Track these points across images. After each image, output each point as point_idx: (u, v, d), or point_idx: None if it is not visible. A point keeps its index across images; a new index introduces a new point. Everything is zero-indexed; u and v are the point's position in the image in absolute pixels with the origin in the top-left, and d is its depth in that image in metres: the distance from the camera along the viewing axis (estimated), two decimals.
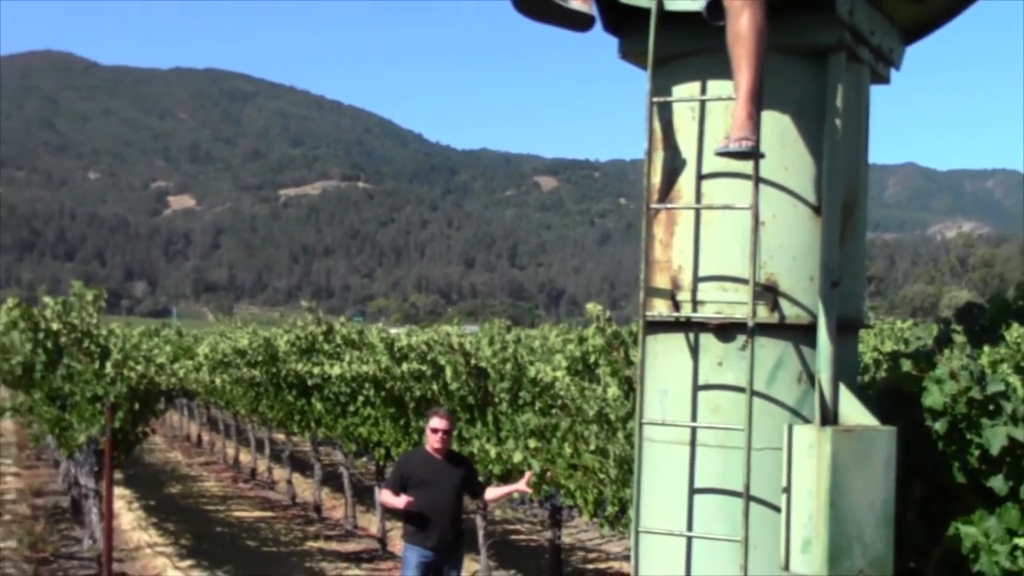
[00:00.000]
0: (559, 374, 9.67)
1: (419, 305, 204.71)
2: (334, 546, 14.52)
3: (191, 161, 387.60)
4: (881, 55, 4.06)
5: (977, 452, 3.75)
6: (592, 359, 9.96)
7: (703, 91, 3.80)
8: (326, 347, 15.29)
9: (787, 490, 3.58)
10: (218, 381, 18.66)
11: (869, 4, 3.83)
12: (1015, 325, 4.36)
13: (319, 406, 14.50)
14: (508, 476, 9.53)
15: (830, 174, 3.71)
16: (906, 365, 4.01)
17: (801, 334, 3.72)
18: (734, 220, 3.69)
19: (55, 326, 12.19)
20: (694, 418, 3.76)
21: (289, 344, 15.73)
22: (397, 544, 12.62)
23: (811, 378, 3.71)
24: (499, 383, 9.85)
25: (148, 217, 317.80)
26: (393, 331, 15.74)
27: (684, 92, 3.85)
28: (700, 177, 3.78)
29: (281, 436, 20.88)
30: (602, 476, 8.16)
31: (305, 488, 18.83)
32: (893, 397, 3.98)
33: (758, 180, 3.59)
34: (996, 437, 3.68)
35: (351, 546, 14.51)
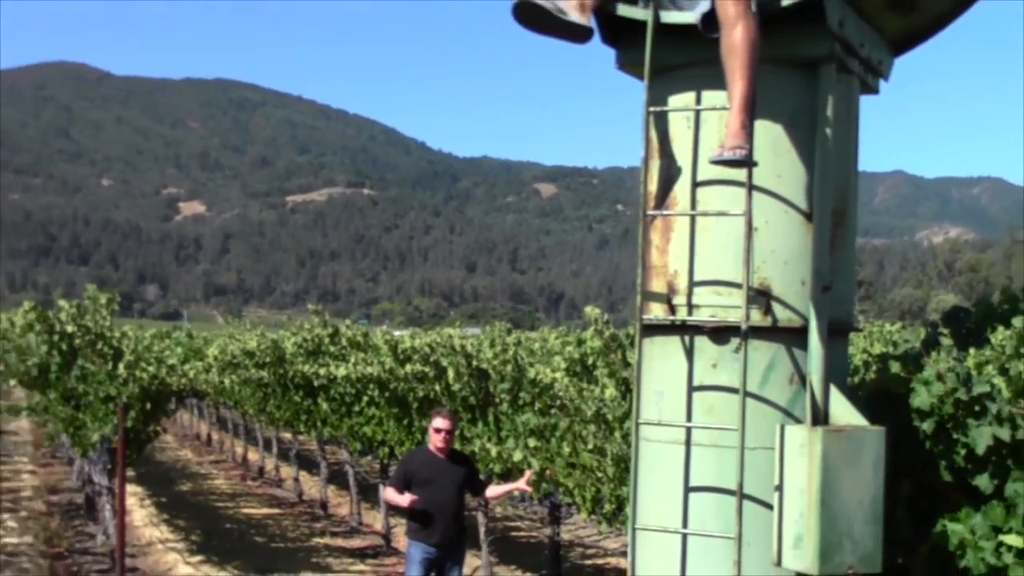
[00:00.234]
0: (558, 375, 9.66)
1: (422, 308, 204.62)
2: (340, 542, 14.51)
3: (201, 168, 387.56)
4: (870, 67, 4.06)
5: (963, 451, 3.75)
6: (590, 361, 9.94)
7: (698, 101, 3.81)
8: (332, 349, 15.29)
9: (779, 488, 3.58)
10: (227, 382, 18.63)
11: (859, 17, 3.84)
12: (1000, 328, 4.35)
13: (325, 406, 14.49)
14: (508, 474, 9.52)
15: (821, 182, 3.71)
16: (895, 367, 4.01)
17: (793, 337, 3.72)
18: (728, 226, 3.69)
19: (70, 328, 12.18)
20: (689, 418, 3.76)
21: (296, 346, 15.72)
22: (401, 540, 12.61)
23: (803, 379, 3.71)
24: (500, 384, 9.84)
25: (160, 223, 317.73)
26: (397, 333, 15.71)
27: (680, 102, 3.86)
28: (695, 184, 3.78)
29: (288, 435, 20.83)
30: (600, 475, 8.16)
31: (311, 486, 18.81)
32: (882, 398, 3.98)
33: (751, 188, 3.59)
34: (982, 437, 3.68)
35: (356, 542, 14.49)
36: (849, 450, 3.53)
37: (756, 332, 3.68)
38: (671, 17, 3.77)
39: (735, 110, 3.50)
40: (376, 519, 15.06)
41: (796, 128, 3.74)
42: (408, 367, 11.60)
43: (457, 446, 9.21)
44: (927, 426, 3.79)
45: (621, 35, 3.96)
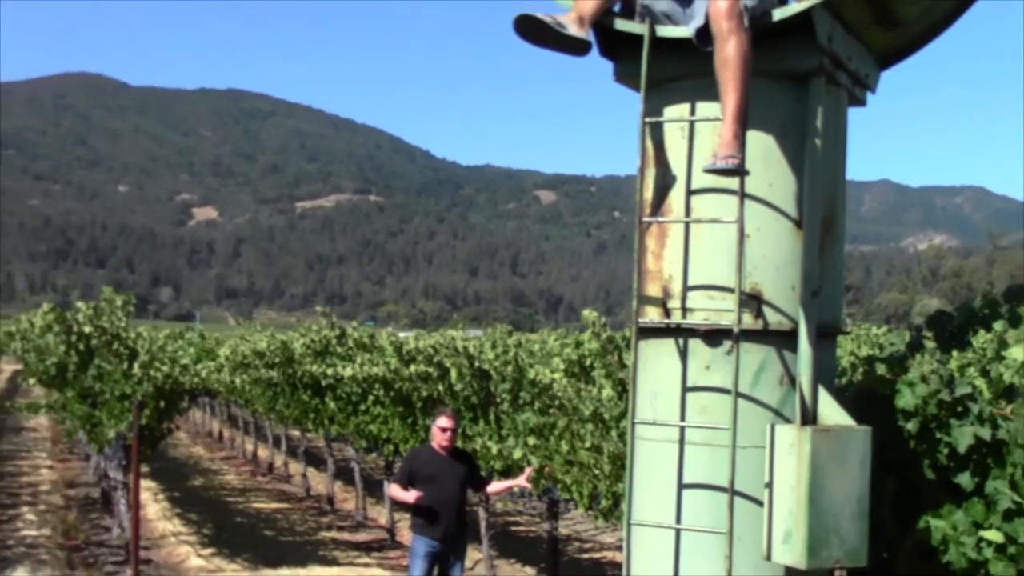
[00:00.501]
0: (557, 376, 9.66)
1: (426, 311, 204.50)
2: (346, 536, 14.50)
3: (214, 175, 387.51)
4: (858, 79, 4.06)
5: (946, 450, 3.75)
6: (588, 362, 9.95)
7: (692, 112, 3.81)
8: (339, 350, 15.29)
9: (769, 485, 3.58)
10: (238, 381, 18.63)
11: (847, 33, 3.84)
12: (981, 332, 4.35)
13: (332, 405, 14.49)
14: (509, 471, 9.52)
15: (810, 190, 3.72)
16: (880, 369, 4.01)
17: (783, 340, 3.72)
18: (721, 233, 3.69)
19: (87, 329, 12.18)
20: (683, 418, 3.76)
21: (304, 347, 15.72)
22: (404, 534, 12.61)
23: (792, 381, 3.71)
24: (501, 384, 9.83)
25: (173, 227, 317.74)
26: (402, 335, 15.71)
27: (675, 113, 3.86)
28: (689, 192, 3.78)
29: (296, 433, 20.86)
30: (597, 472, 8.15)
31: (319, 481, 18.80)
32: (868, 399, 3.98)
33: (743, 196, 3.59)
34: (964, 436, 3.68)
35: (362, 536, 14.48)
36: (837, 449, 3.53)
37: (748, 335, 3.68)
38: (667, 32, 3.77)
39: (728, 121, 3.50)
40: (381, 514, 15.05)
41: (786, 139, 3.74)
42: (412, 367, 11.60)
43: (459, 444, 9.21)
44: (911, 426, 3.79)
45: (618, 49, 3.95)
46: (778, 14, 3.65)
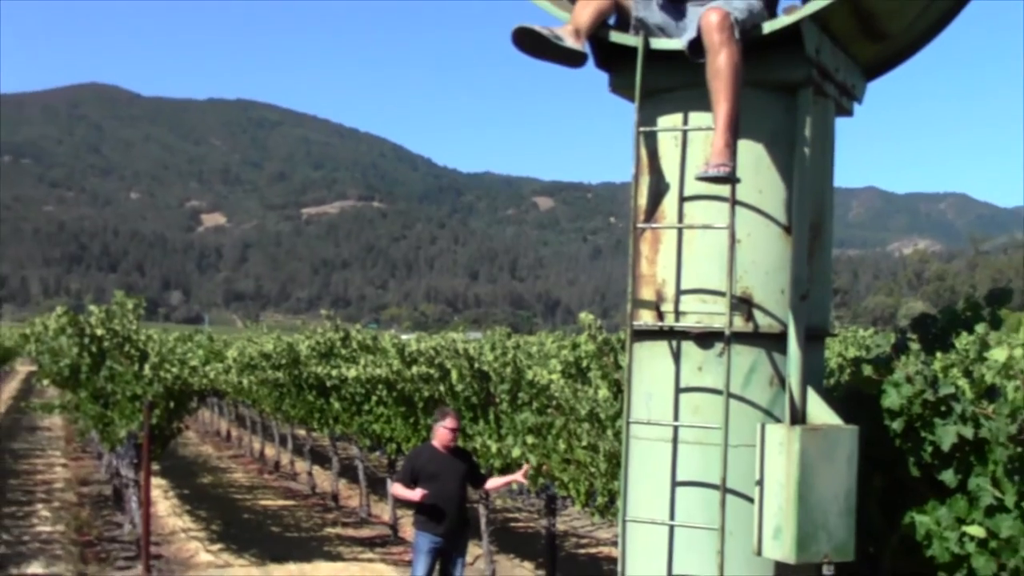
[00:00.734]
0: (554, 377, 9.65)
1: (428, 314, 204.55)
2: (350, 532, 14.48)
3: (222, 183, 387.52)
4: (845, 90, 4.07)
5: (930, 448, 3.74)
6: (584, 363, 9.94)
7: (685, 122, 3.81)
8: (343, 351, 15.28)
9: (760, 483, 3.57)
10: (245, 382, 18.62)
11: (834, 45, 3.84)
12: (964, 334, 4.35)
13: (337, 405, 14.48)
14: (507, 469, 9.50)
15: (799, 197, 3.72)
16: (867, 370, 4.01)
17: (773, 342, 3.72)
18: (713, 239, 3.69)
19: (99, 332, 12.17)
20: (676, 418, 3.76)
21: (310, 349, 15.71)
22: (407, 530, 12.59)
23: (782, 381, 3.71)
24: (500, 385, 9.83)
25: (183, 233, 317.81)
26: (404, 337, 15.72)
27: (668, 122, 3.86)
28: (682, 199, 3.78)
29: (302, 432, 20.79)
30: (593, 469, 8.15)
31: (324, 479, 18.79)
32: (855, 399, 3.98)
33: (734, 202, 3.60)
34: (947, 435, 3.68)
35: (365, 532, 14.47)
36: (825, 447, 3.52)
37: (739, 337, 3.67)
38: (660, 44, 3.77)
39: (720, 130, 3.51)
40: (384, 510, 15.03)
41: (776, 147, 3.74)
42: (414, 369, 11.60)
43: (460, 443, 9.20)
44: (897, 425, 3.79)
45: (614, 60, 3.95)
46: (768, 27, 3.65)
